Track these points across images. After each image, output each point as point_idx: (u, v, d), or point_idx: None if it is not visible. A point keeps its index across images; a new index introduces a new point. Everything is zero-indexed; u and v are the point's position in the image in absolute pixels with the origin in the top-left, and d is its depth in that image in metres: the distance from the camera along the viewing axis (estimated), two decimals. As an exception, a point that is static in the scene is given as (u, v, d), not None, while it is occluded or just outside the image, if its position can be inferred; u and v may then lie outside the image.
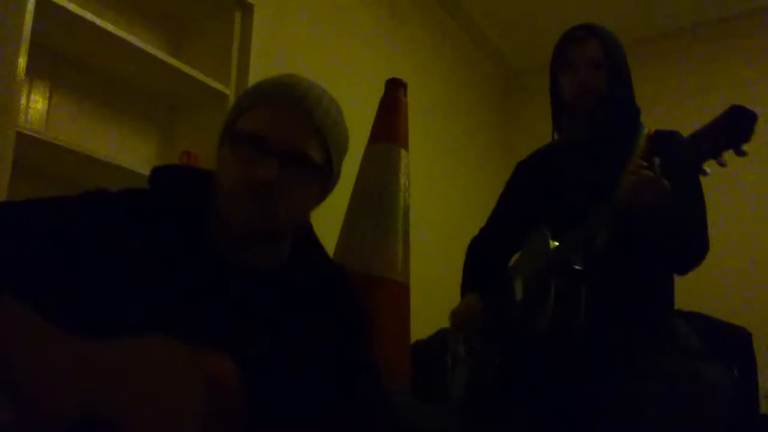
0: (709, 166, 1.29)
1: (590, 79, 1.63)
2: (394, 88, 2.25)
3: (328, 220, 1.97)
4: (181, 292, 0.94)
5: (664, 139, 1.60)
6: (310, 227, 1.14)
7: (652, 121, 1.69)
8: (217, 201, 1.01)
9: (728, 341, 1.71)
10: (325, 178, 1.05)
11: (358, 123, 2.30)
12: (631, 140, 1.61)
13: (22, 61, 1.59)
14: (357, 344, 1.09)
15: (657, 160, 1.34)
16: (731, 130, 1.23)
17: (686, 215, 1.47)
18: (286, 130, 0.98)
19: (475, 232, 1.98)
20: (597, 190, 1.53)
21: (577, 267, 1.46)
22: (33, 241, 0.94)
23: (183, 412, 0.74)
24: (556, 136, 1.81)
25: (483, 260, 1.87)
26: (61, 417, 0.79)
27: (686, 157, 1.29)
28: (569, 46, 1.68)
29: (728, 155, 1.26)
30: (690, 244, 1.52)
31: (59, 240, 0.94)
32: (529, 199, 1.77)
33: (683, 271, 1.56)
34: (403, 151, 2.18)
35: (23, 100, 1.86)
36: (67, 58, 2.00)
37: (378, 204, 2.08)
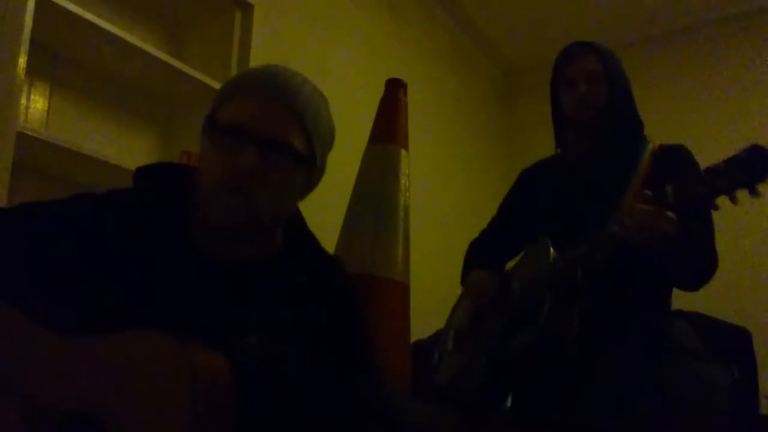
0: (720, 201, 1.26)
1: (590, 93, 1.63)
2: (394, 88, 2.25)
3: (329, 220, 1.97)
4: (169, 289, 0.93)
5: (670, 155, 1.60)
6: (299, 217, 1.11)
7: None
8: (200, 196, 0.99)
9: (728, 341, 1.71)
10: (308, 167, 1.02)
11: (358, 123, 2.30)
12: (635, 154, 1.60)
13: (22, 61, 1.59)
14: (352, 335, 1.07)
15: (670, 189, 1.31)
16: (749, 169, 1.21)
17: (694, 241, 1.42)
18: (265, 118, 0.96)
19: (475, 232, 1.98)
20: (600, 205, 1.52)
21: (575, 279, 1.45)
22: (22, 246, 0.94)
23: (172, 406, 0.74)
24: (558, 151, 1.81)
25: (483, 257, 1.87)
26: (51, 415, 0.79)
27: (701, 191, 1.27)
28: (567, 62, 1.69)
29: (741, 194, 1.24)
30: (699, 267, 1.49)
31: (47, 243, 0.94)
32: (530, 209, 1.77)
33: (692, 289, 1.53)
34: (403, 151, 2.17)
35: (23, 100, 1.86)
36: (67, 58, 2.00)
37: (378, 204, 2.08)
